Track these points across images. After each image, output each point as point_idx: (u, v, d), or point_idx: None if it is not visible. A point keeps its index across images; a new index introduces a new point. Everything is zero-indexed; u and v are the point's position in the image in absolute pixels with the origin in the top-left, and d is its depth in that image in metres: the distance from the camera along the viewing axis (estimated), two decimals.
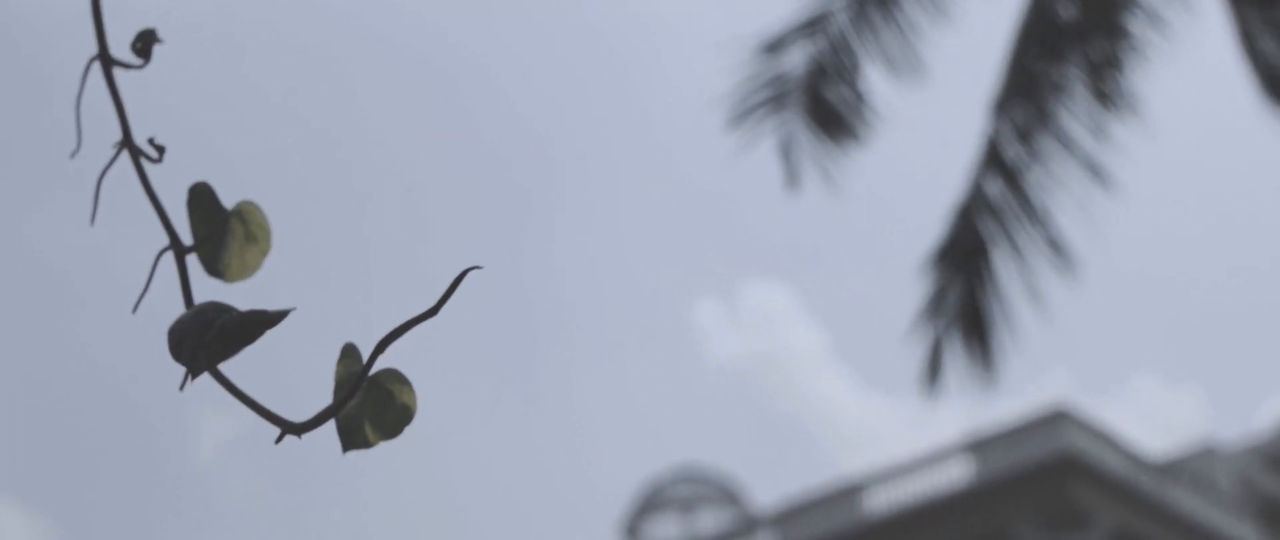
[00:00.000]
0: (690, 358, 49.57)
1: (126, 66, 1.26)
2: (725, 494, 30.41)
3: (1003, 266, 9.40)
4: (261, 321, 0.97)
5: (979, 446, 26.55)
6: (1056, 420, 26.15)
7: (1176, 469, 28.18)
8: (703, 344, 49.43)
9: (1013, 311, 9.42)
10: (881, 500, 27.17)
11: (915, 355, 9.62)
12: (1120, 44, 9.31)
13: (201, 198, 1.13)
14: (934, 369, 9.55)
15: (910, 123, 10.90)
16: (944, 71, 9.92)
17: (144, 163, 1.20)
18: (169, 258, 1.15)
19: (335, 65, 58.52)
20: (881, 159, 10.48)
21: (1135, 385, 47.77)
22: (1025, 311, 9.45)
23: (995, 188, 9.40)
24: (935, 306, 9.52)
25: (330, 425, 1.04)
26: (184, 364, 1.00)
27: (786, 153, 9.78)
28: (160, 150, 1.17)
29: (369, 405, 1.03)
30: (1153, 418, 44.64)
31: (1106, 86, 9.22)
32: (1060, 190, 9.31)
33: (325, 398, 1.04)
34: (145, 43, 1.27)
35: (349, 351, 1.02)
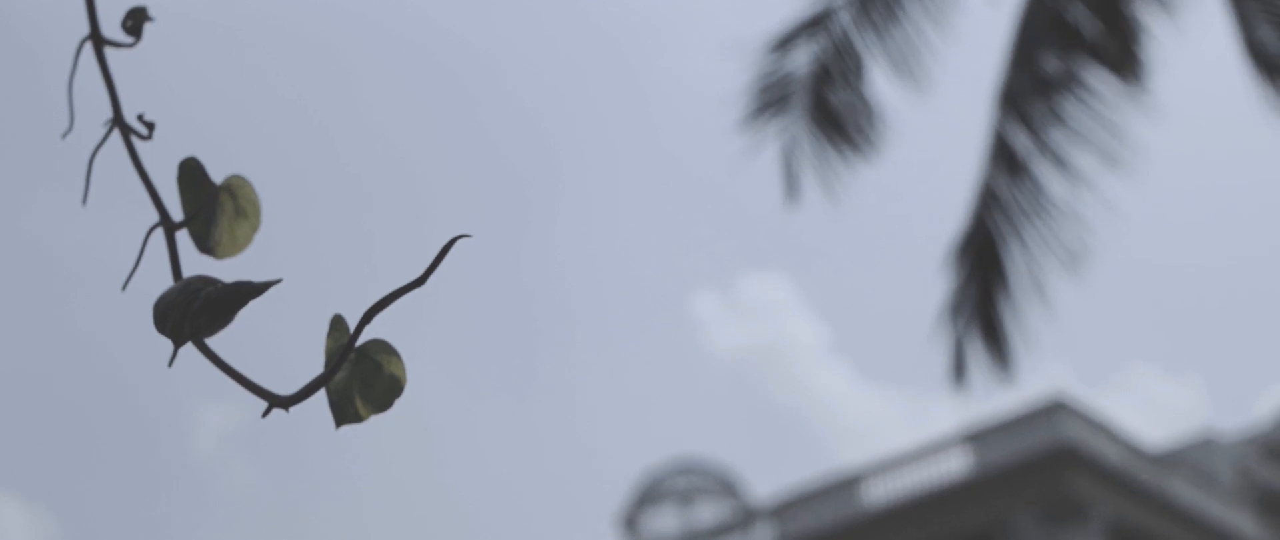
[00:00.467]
0: (689, 349, 49.59)
1: (117, 45, 1.25)
2: (724, 486, 30.40)
3: (1013, 262, 9.40)
4: (246, 292, 0.97)
5: (977, 438, 26.55)
6: (1055, 411, 26.14)
7: (1175, 459, 28.19)
8: (702, 336, 49.44)
9: (1024, 307, 9.43)
10: (880, 492, 27.16)
11: (936, 351, 9.64)
12: (1123, 32, 9.29)
13: (191, 173, 1.12)
14: (959, 365, 9.56)
15: (910, 116, 10.89)
16: (942, 65, 9.91)
17: (135, 142, 1.20)
18: (160, 237, 1.15)
19: (338, 58, 58.50)
20: (882, 154, 10.46)
21: (1134, 376, 47.81)
22: (1034, 305, 9.46)
23: (1003, 183, 9.39)
24: (956, 304, 9.52)
25: (322, 404, 1.03)
26: (168, 336, 0.99)
27: (788, 161, 9.76)
28: (150, 127, 1.17)
29: (357, 377, 1.02)
30: (1151, 408, 44.68)
31: (1122, 67, 9.18)
32: (1069, 183, 9.29)
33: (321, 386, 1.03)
34: (136, 21, 1.27)
35: (337, 323, 1.01)
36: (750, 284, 51.17)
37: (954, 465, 26.60)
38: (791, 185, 9.80)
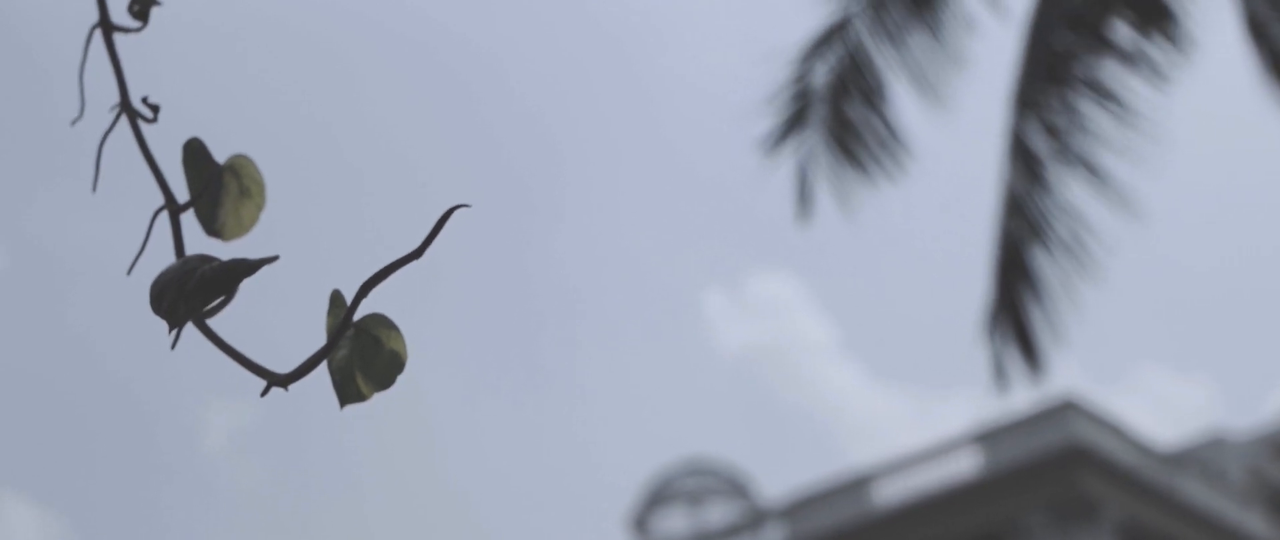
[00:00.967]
0: (698, 349, 49.56)
1: (125, 30, 1.26)
2: (733, 486, 30.39)
3: (1039, 266, 9.38)
4: (242, 269, 0.96)
5: (988, 437, 26.52)
6: (1065, 411, 26.11)
7: (1185, 459, 28.14)
8: (711, 335, 49.41)
9: (1052, 310, 9.41)
10: (890, 491, 27.14)
11: (948, 351, 9.64)
12: (1139, 29, 9.25)
13: (195, 154, 1.12)
14: (999, 370, 9.54)
15: (927, 127, 10.85)
16: (960, 75, 9.86)
17: (140, 128, 1.21)
18: (165, 223, 1.15)
19: (342, 58, 58.53)
20: (904, 171, 10.41)
21: (1144, 375, 47.73)
22: (1063, 307, 9.45)
23: (1023, 186, 9.35)
24: (995, 311, 9.49)
25: (327, 395, 1.03)
26: (163, 317, 0.98)
27: (803, 175, 9.72)
28: (154, 109, 1.17)
29: (357, 353, 1.00)
30: (1162, 408, 44.62)
31: (1146, 49, 9.14)
32: (1087, 183, 9.26)
33: (326, 381, 1.02)
34: (144, 6, 1.28)
35: (336, 299, 1.01)
36: (759, 283, 51.13)
37: (964, 465, 26.58)
38: (805, 200, 9.76)
